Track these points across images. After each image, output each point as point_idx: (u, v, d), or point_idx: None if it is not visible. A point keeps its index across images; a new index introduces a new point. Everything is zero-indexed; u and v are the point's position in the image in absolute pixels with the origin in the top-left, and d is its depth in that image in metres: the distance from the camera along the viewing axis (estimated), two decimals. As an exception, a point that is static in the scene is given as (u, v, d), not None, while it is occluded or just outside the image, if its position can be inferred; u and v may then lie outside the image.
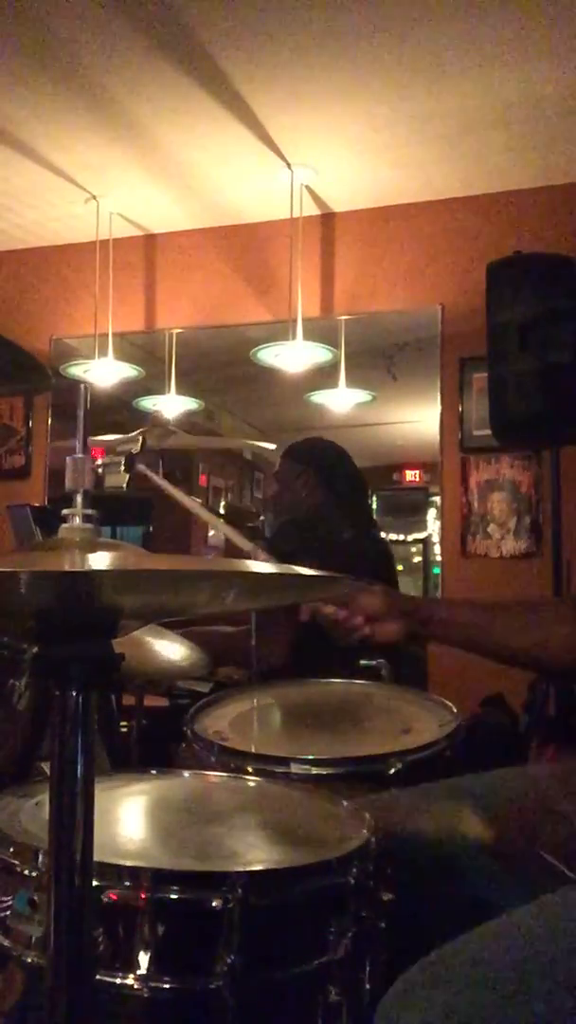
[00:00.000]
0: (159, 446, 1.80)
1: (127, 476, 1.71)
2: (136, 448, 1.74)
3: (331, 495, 2.77)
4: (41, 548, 1.24)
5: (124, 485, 1.72)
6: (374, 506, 4.56)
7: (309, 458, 2.83)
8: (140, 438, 1.74)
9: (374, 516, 4.33)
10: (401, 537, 4.50)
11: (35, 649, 0.77)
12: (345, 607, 1.41)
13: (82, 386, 0.90)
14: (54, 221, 4.39)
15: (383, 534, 4.46)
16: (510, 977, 0.88)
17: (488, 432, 3.13)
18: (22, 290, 4.67)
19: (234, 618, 2.52)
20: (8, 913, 1.00)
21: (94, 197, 4.14)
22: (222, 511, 4.74)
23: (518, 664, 1.55)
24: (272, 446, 2.98)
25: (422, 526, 4.40)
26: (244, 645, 2.23)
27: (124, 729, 2.57)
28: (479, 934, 0.94)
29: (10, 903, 1.00)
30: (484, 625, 1.43)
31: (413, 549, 4.43)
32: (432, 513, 4.26)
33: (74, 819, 0.76)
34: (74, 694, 0.76)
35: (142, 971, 0.93)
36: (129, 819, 1.22)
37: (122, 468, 1.71)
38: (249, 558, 1.53)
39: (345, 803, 1.20)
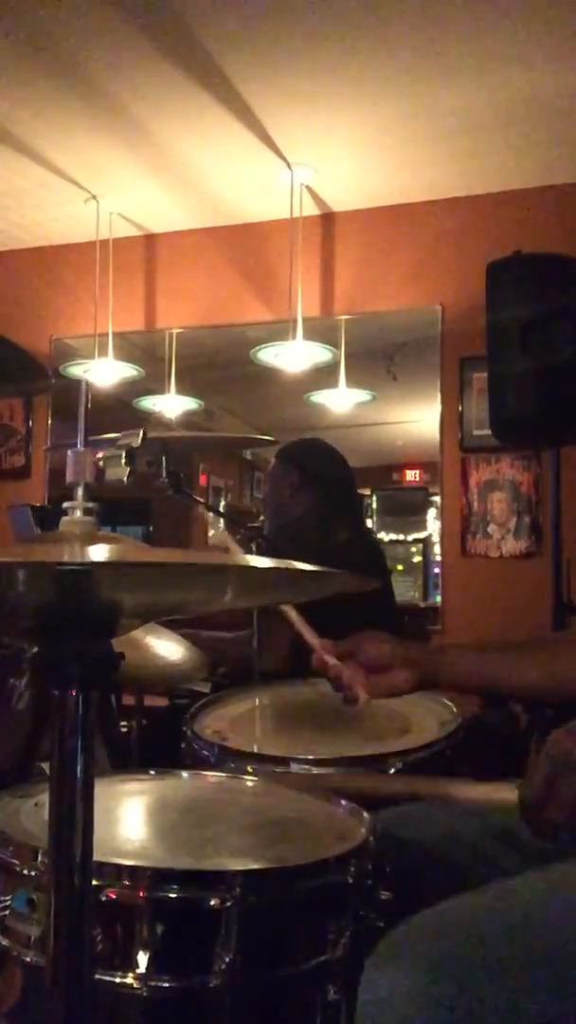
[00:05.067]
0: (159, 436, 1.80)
1: (127, 469, 1.71)
2: (137, 442, 1.74)
3: (319, 497, 2.75)
4: (41, 541, 1.23)
5: (124, 478, 1.72)
6: (374, 506, 4.56)
7: (296, 459, 2.82)
8: (140, 432, 1.74)
9: (365, 516, 4.33)
10: (401, 537, 4.50)
11: (35, 648, 0.77)
12: (352, 656, 1.32)
13: (83, 381, 0.90)
14: (54, 221, 4.38)
15: (383, 534, 4.47)
16: (500, 938, 0.88)
17: (488, 432, 3.12)
18: (22, 290, 4.67)
19: (234, 622, 2.52)
20: (7, 913, 1.00)
21: (94, 197, 4.14)
22: (222, 510, 4.73)
23: (535, 700, 1.47)
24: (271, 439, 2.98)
25: (422, 526, 4.39)
26: (244, 649, 2.23)
27: (124, 729, 2.57)
28: (471, 896, 0.95)
29: (9, 903, 1.00)
30: (496, 668, 1.36)
31: (413, 549, 4.43)
32: (432, 513, 4.26)
33: (74, 819, 0.76)
34: (74, 694, 0.76)
35: (141, 970, 0.93)
36: (128, 818, 1.22)
37: (123, 461, 1.72)
38: None
39: (344, 803, 1.20)
